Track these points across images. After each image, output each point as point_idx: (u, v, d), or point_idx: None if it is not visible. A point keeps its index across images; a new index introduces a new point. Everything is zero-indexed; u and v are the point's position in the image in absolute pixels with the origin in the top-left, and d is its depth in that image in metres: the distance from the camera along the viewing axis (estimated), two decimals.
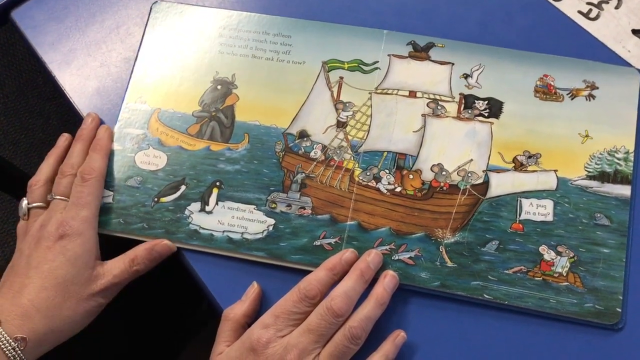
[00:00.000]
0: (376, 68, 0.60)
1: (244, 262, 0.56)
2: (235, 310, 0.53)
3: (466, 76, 0.60)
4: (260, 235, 0.56)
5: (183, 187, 0.58)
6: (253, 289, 0.54)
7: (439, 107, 0.59)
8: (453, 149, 0.57)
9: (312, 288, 0.50)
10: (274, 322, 0.50)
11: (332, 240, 0.55)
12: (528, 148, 0.57)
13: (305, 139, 0.59)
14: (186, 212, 0.57)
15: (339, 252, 0.54)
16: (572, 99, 0.58)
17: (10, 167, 1.03)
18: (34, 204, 0.58)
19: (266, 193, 0.57)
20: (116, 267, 0.55)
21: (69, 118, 1.42)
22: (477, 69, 0.60)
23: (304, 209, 0.57)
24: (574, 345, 0.52)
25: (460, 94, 0.59)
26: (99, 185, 0.57)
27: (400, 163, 0.58)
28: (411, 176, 0.57)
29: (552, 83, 0.59)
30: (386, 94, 0.60)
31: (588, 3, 0.63)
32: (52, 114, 1.41)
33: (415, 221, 0.56)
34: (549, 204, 0.55)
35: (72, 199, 0.55)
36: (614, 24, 0.62)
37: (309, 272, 0.52)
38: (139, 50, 0.63)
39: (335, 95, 0.60)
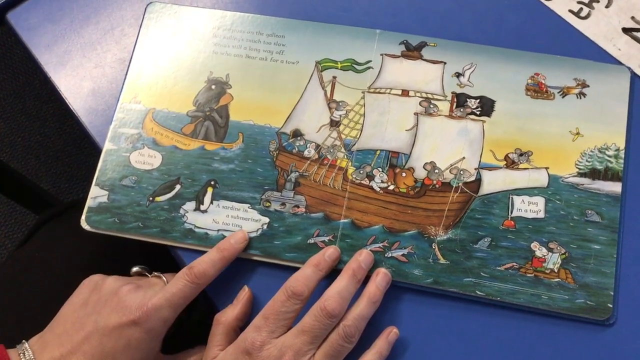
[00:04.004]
0: (369, 67, 0.61)
1: (238, 261, 0.56)
2: (227, 314, 0.53)
3: (458, 75, 0.60)
4: (254, 234, 0.56)
5: (178, 187, 0.58)
6: (244, 293, 0.54)
7: (431, 106, 0.59)
8: (445, 147, 0.58)
9: (299, 285, 0.50)
10: (264, 324, 0.50)
11: (326, 238, 0.56)
12: (519, 146, 0.57)
13: (299, 138, 0.59)
14: (181, 211, 0.57)
15: (322, 250, 0.54)
16: (563, 97, 0.59)
17: (7, 170, 1.03)
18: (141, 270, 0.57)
19: (260, 192, 0.58)
20: None
21: (65, 120, 1.42)
22: (469, 68, 0.60)
23: (298, 207, 0.57)
24: (566, 341, 0.52)
25: (452, 92, 0.59)
26: (198, 292, 0.53)
27: (393, 161, 0.58)
28: (404, 174, 0.57)
29: (543, 81, 0.59)
30: (379, 93, 0.60)
31: (579, 2, 0.63)
32: (49, 116, 1.41)
33: (408, 219, 0.56)
34: (540, 201, 0.56)
35: (170, 287, 0.52)
36: (605, 23, 0.62)
37: None
38: (133, 51, 0.63)
39: (328, 94, 0.60)
